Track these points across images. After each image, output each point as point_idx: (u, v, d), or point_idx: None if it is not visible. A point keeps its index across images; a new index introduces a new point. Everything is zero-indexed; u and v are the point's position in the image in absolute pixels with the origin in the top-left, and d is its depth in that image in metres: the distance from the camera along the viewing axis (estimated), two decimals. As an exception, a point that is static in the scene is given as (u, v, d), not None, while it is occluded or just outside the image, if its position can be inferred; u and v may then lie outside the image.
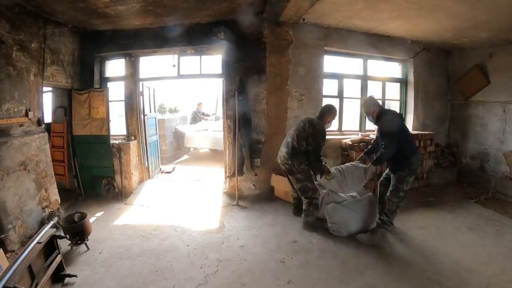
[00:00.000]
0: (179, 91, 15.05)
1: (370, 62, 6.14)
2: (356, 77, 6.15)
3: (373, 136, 5.53)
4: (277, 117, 5.47)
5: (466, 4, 3.92)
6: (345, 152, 5.62)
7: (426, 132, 5.81)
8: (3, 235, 3.57)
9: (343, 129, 6.15)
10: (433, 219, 4.46)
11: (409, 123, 6.30)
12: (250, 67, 5.29)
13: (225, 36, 5.10)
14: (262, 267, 3.34)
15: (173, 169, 7.38)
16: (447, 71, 6.59)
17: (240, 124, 5.11)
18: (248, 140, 5.27)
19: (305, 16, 4.84)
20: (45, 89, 4.72)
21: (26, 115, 4.14)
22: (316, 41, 5.42)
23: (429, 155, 5.80)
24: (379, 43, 5.77)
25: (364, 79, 6.12)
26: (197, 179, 6.67)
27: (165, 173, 7.08)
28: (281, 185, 5.20)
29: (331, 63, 5.86)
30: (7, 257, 3.13)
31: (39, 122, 4.42)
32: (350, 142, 5.43)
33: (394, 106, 6.63)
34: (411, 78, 6.26)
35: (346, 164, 4.46)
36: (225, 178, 5.79)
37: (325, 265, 3.34)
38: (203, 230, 4.24)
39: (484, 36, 5.14)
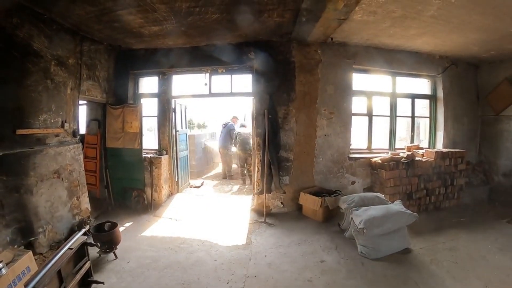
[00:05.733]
0: (207, 107, 15.49)
1: (399, 79, 6.07)
2: (385, 94, 6.09)
3: (403, 154, 5.41)
4: (306, 136, 5.46)
5: (492, 17, 3.90)
6: (374, 171, 5.50)
7: (456, 150, 5.61)
8: (33, 238, 3.70)
9: (372, 147, 6.03)
10: (463, 240, 4.27)
11: (439, 141, 6.14)
12: (279, 85, 5.37)
13: (255, 56, 5.28)
14: (289, 285, 3.26)
15: (202, 184, 7.47)
16: (476, 85, 6.41)
17: (269, 142, 5.13)
18: (276, 157, 5.27)
19: (333, 35, 4.91)
20: (80, 102, 4.92)
21: (62, 126, 4.34)
22: (344, 59, 5.45)
23: (460, 174, 5.59)
24: (407, 59, 5.73)
25: (393, 96, 6.05)
26: (225, 195, 6.72)
27: (194, 187, 7.17)
28: (310, 204, 5.10)
29: (359, 81, 5.84)
30: (35, 259, 3.23)
31: (74, 133, 4.62)
32: (379, 161, 5.31)
33: (424, 123, 6.50)
34: (440, 94, 6.12)
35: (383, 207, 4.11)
36: (253, 195, 5.78)
37: (353, 286, 3.23)
38: (230, 246, 4.21)
39: (512, 47, 5.03)
